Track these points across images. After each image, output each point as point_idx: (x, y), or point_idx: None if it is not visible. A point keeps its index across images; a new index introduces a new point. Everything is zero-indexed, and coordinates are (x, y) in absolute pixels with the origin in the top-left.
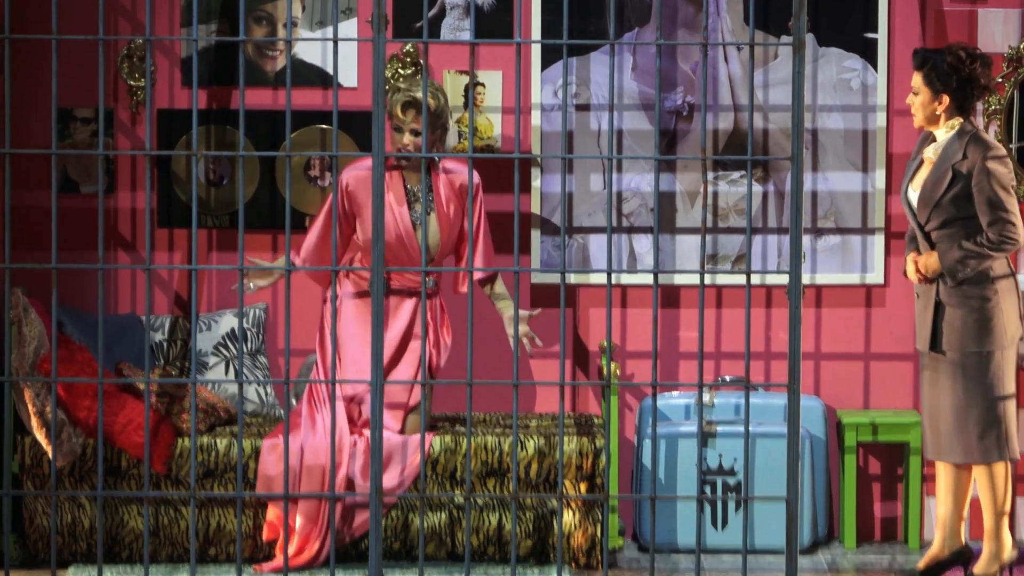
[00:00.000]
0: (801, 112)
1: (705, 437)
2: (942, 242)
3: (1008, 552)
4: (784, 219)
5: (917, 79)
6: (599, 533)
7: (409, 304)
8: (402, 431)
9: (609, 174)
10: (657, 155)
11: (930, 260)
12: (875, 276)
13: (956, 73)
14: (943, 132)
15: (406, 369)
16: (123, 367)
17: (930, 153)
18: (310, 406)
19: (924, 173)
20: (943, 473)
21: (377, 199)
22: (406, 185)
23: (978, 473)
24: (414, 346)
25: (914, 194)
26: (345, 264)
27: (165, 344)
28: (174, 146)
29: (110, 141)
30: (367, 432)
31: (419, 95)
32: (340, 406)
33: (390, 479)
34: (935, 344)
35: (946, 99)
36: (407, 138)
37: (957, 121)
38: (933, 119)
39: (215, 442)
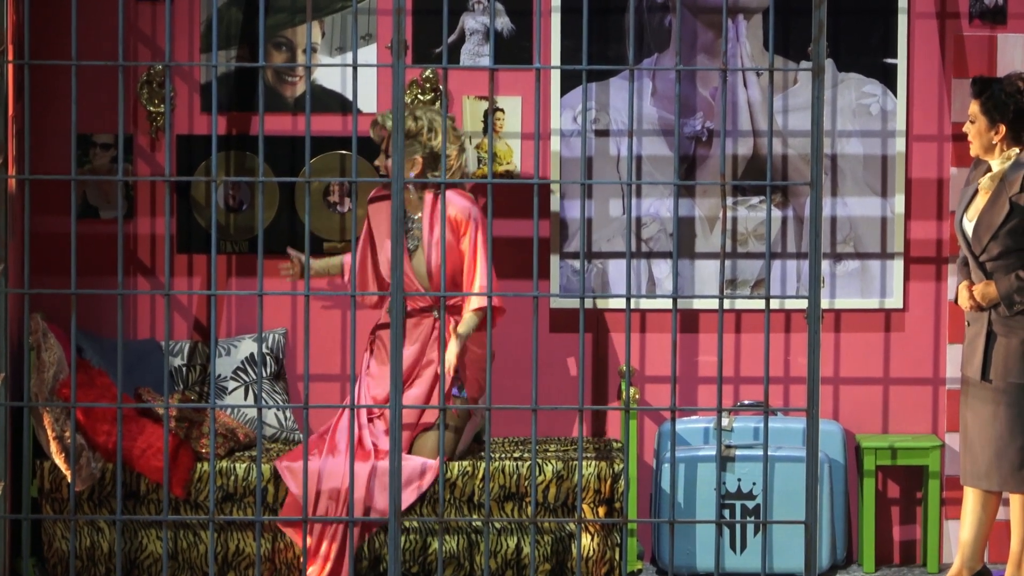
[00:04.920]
0: (820, 137)
1: (724, 461)
2: (998, 272)
3: None
4: (803, 244)
5: (974, 107)
6: (618, 557)
7: (425, 327)
8: (408, 451)
9: (628, 199)
10: (676, 180)
11: (988, 289)
12: (894, 301)
13: (1014, 102)
14: (998, 162)
15: (417, 390)
16: (143, 392)
17: (986, 182)
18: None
19: (979, 203)
20: (972, 498)
21: (397, 224)
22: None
23: (1014, 501)
24: (427, 370)
25: (969, 224)
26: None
27: (184, 369)
28: (193, 172)
29: (129, 167)
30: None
31: (382, 120)
32: (364, 432)
33: (402, 499)
34: (985, 372)
35: (1003, 128)
36: (379, 159)
37: (1013, 151)
38: (989, 148)
39: (234, 467)
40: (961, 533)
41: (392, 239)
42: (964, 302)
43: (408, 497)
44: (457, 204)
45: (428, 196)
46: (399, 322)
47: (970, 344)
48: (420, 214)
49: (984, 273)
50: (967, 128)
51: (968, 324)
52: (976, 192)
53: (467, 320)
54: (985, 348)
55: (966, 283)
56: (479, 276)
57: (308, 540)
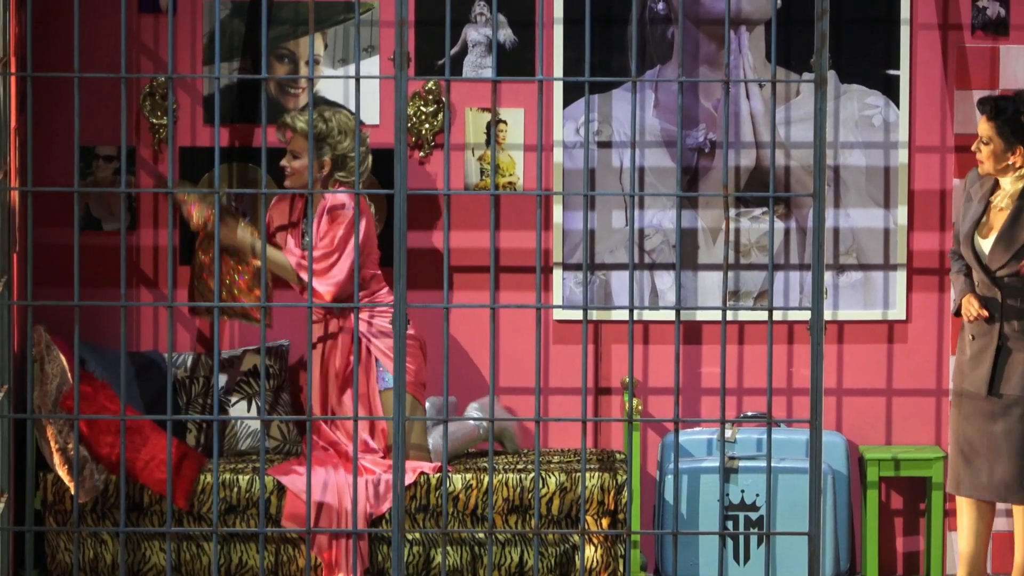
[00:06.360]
0: (823, 149)
1: (727, 472)
2: (1016, 284)
3: None
4: (806, 255)
5: (988, 129)
6: (621, 568)
7: (345, 337)
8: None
9: (631, 211)
10: (679, 192)
11: None
12: (897, 312)
13: None
14: (1011, 180)
15: (350, 399)
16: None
17: (1002, 201)
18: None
19: (995, 221)
20: (971, 510)
21: (400, 238)
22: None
23: (1019, 512)
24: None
25: (985, 241)
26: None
27: (187, 381)
28: (196, 183)
29: (132, 179)
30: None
31: (291, 121)
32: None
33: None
34: (992, 387)
35: (1020, 150)
36: (285, 160)
37: None
38: (1004, 169)
39: (237, 478)
40: (961, 546)
41: (395, 250)
42: (972, 312)
43: (387, 503)
44: (338, 197)
45: (326, 197)
46: (402, 332)
47: (974, 358)
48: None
49: (999, 286)
50: (977, 147)
51: (972, 338)
52: (987, 209)
53: (281, 260)
54: (995, 362)
55: (971, 295)
56: (336, 268)
57: (320, 552)
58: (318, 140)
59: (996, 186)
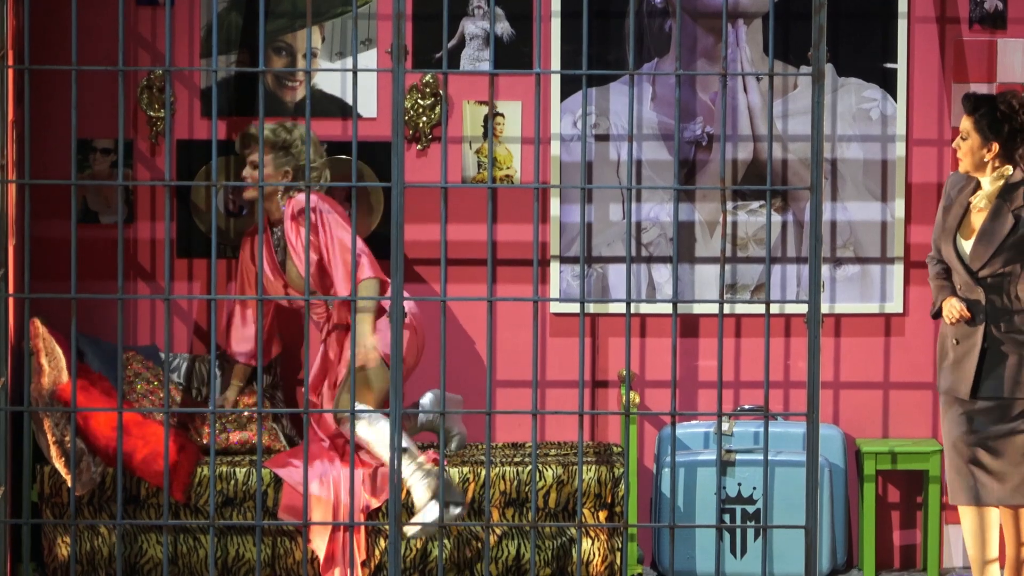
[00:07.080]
0: (820, 142)
1: (724, 465)
2: (999, 283)
3: None
4: (803, 248)
5: (967, 124)
6: (618, 561)
7: (332, 336)
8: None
9: (628, 204)
10: (676, 185)
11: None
12: (894, 305)
13: (1008, 122)
14: (989, 180)
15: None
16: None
17: (981, 202)
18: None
19: (975, 221)
20: (977, 515)
21: (397, 229)
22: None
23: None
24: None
25: (966, 242)
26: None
27: (181, 388)
28: (194, 176)
29: (130, 172)
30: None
31: (254, 131)
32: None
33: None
34: (976, 389)
35: (996, 147)
36: (246, 170)
37: (1007, 169)
38: (980, 165)
39: (234, 471)
40: (974, 553)
41: (392, 243)
42: (954, 315)
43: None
44: (300, 203)
45: (287, 202)
46: (399, 326)
47: (957, 361)
48: (282, 223)
49: (983, 287)
50: (957, 144)
51: (956, 342)
52: (966, 211)
53: (359, 322)
54: (980, 364)
55: (952, 298)
56: (341, 267)
57: (324, 546)
58: (282, 148)
59: (976, 187)
